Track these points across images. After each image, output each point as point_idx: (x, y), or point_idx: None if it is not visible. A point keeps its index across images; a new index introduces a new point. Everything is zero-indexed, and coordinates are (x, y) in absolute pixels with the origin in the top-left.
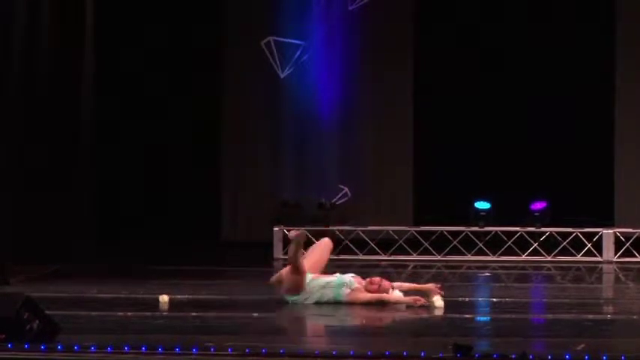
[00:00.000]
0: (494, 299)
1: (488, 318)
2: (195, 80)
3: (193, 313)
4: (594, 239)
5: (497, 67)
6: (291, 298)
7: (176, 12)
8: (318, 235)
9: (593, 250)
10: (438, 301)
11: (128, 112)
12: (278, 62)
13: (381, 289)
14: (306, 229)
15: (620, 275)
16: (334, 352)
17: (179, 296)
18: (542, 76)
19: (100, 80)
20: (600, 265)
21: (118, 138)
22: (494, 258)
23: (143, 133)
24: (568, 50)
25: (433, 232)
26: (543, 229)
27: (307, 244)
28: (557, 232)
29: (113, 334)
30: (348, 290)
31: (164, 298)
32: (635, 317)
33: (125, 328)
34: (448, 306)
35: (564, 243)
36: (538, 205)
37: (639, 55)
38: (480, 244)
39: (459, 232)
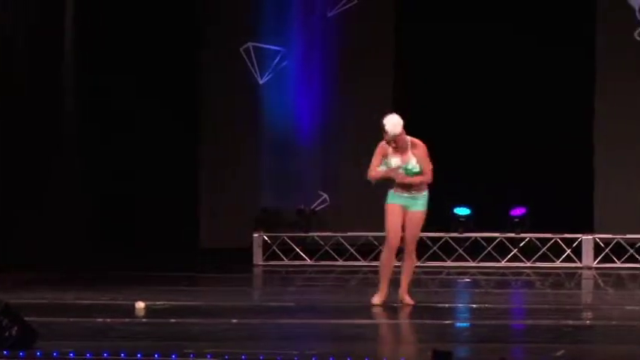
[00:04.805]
0: (474, 305)
1: (468, 324)
2: (174, 85)
3: (172, 320)
4: (574, 245)
5: (478, 75)
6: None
7: (155, 17)
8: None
9: (573, 256)
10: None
11: (106, 118)
12: (257, 68)
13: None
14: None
15: (600, 281)
16: (314, 358)
17: (158, 303)
18: (522, 84)
19: (79, 87)
20: (579, 271)
21: (96, 144)
22: (474, 264)
23: (121, 139)
24: (549, 57)
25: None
26: (523, 235)
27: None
28: (536, 238)
29: (92, 340)
30: None
31: (140, 305)
32: (614, 323)
33: (104, 335)
34: (427, 312)
35: (544, 249)
36: (518, 211)
37: (619, 63)
38: (460, 250)
39: (439, 238)
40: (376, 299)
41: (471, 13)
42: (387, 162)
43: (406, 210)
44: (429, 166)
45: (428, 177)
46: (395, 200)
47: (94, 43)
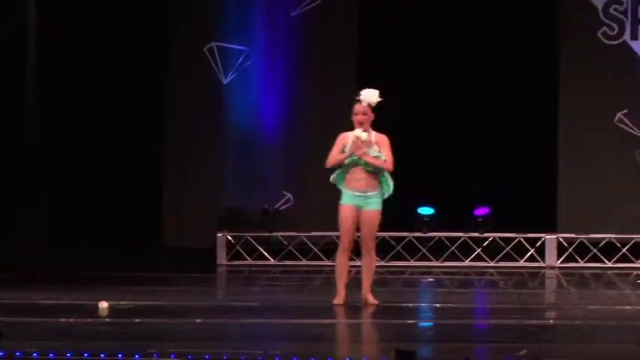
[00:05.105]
0: (438, 305)
1: (431, 323)
2: (139, 85)
3: (136, 320)
4: (537, 245)
5: (442, 75)
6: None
7: (120, 15)
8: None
9: (536, 256)
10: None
11: (68, 116)
12: (221, 68)
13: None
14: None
15: (563, 281)
16: (277, 358)
17: (122, 302)
18: (486, 84)
19: (41, 84)
20: (543, 271)
21: (58, 144)
22: (438, 263)
23: (83, 139)
24: (512, 57)
25: (376, 238)
26: (486, 235)
27: None
28: (500, 238)
29: (55, 340)
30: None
31: (103, 305)
32: (577, 322)
33: (68, 335)
34: (391, 311)
35: (507, 248)
36: (481, 211)
37: (583, 62)
38: (424, 250)
39: (402, 238)
40: (336, 301)
41: (434, 12)
42: (352, 134)
43: (360, 210)
44: (391, 156)
45: (389, 164)
46: (348, 201)
47: (58, 42)
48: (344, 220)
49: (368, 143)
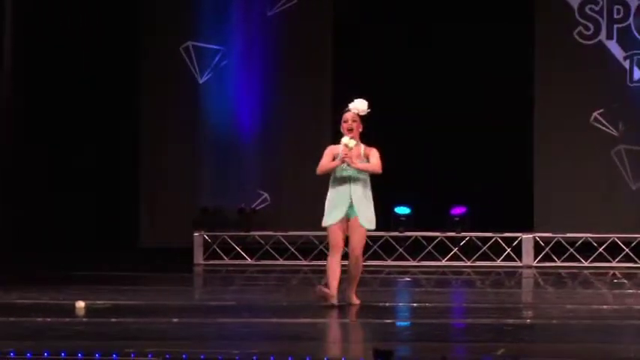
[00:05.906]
0: (415, 304)
1: (409, 323)
2: (115, 84)
3: (113, 319)
4: (514, 244)
5: (418, 74)
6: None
7: (94, 13)
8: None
9: (513, 255)
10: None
11: (44, 110)
12: (197, 67)
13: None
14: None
15: (540, 280)
16: (254, 357)
17: (99, 302)
18: (462, 84)
19: (16, 78)
20: (520, 270)
21: (33, 139)
22: (415, 263)
23: (58, 138)
24: (489, 58)
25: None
26: (463, 234)
27: None
28: (477, 237)
29: (32, 340)
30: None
31: (80, 304)
32: (554, 322)
33: (45, 334)
34: (369, 311)
35: (484, 248)
36: (458, 210)
37: (559, 64)
38: (400, 249)
39: (380, 237)
40: (330, 291)
41: (409, 13)
42: (341, 142)
43: (348, 218)
44: (379, 161)
45: (378, 166)
46: (335, 213)
47: (32, 45)
48: (333, 234)
49: (357, 155)
